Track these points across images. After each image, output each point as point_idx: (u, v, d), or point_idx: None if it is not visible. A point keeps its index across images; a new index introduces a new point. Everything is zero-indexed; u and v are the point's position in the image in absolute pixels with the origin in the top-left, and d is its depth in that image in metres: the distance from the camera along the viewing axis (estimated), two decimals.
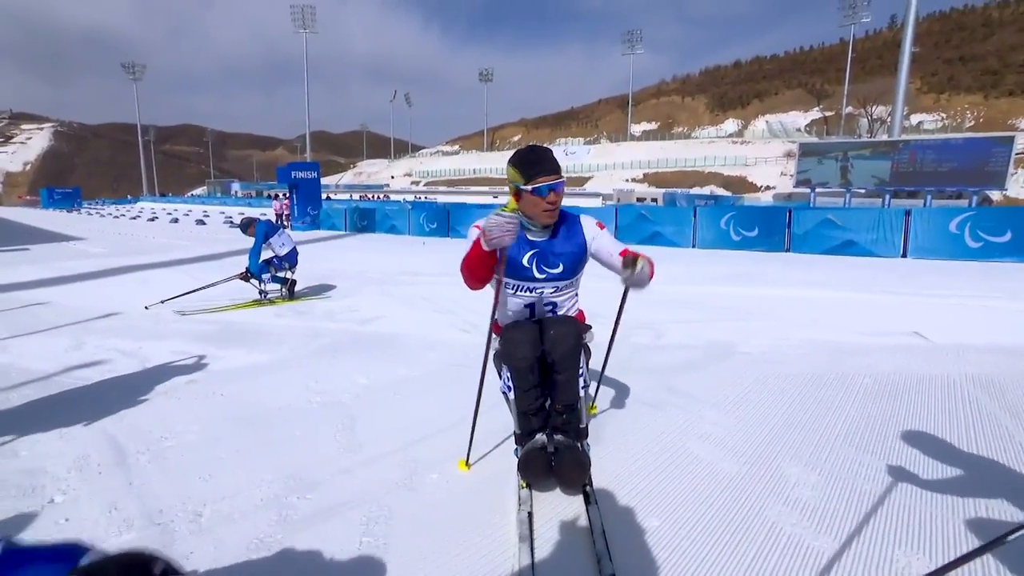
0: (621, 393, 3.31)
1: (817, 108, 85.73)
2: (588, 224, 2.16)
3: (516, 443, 2.22)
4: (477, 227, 1.97)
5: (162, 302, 6.09)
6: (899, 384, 3.40)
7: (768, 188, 61.05)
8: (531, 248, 2.11)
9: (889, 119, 55.92)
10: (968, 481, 2.22)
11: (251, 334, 4.90)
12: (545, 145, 2.41)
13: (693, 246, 13.45)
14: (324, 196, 29.75)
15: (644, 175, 72.22)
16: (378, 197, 50.03)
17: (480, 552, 1.81)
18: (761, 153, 68.45)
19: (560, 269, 2.16)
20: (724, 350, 4.29)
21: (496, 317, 2.21)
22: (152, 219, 28.49)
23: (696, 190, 60.61)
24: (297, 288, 6.71)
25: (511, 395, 2.11)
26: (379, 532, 1.91)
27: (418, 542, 1.86)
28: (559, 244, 2.13)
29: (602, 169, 76.03)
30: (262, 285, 6.32)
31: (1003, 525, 1.90)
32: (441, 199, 43.94)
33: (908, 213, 10.99)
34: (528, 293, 2.14)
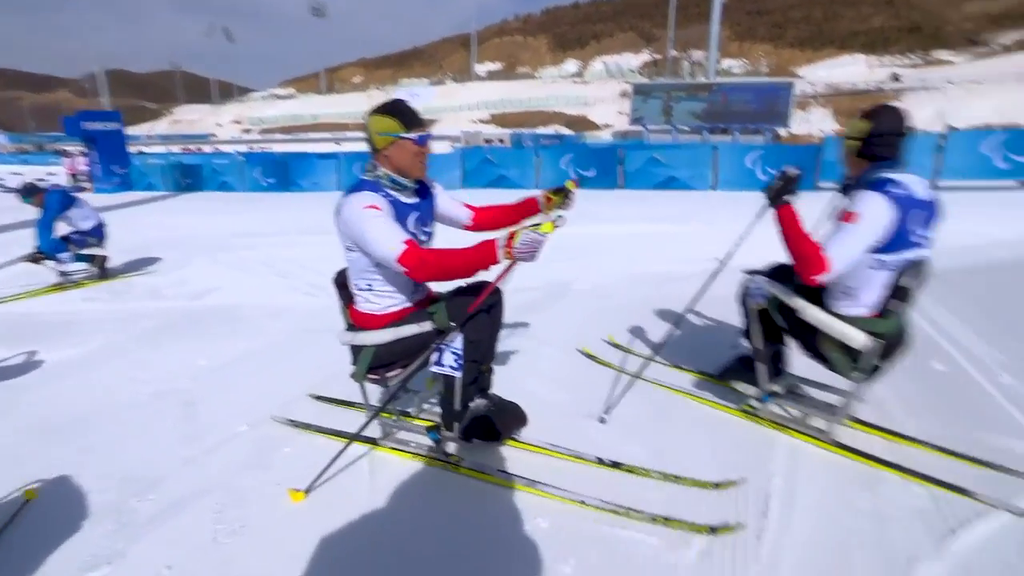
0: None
1: (647, 51, 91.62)
2: (430, 182, 2.18)
3: (452, 421, 2.11)
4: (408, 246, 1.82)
5: None
6: (705, 304, 4.05)
7: (607, 126, 64.92)
8: (411, 211, 2.03)
9: (706, 63, 62.07)
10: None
11: (53, 326, 4.24)
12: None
13: (536, 187, 14.07)
14: (134, 150, 25.49)
15: (491, 116, 72.31)
16: (201, 150, 44.02)
17: (338, 516, 1.91)
18: (599, 93, 72.00)
19: (432, 228, 2.19)
20: (561, 289, 4.71)
21: (394, 303, 2.08)
22: None
23: (541, 130, 62.41)
24: (110, 265, 5.86)
25: (458, 373, 1.96)
26: (233, 517, 1.90)
27: (276, 518, 1.90)
28: (426, 203, 2.13)
29: (448, 111, 74.48)
30: (61, 266, 5.41)
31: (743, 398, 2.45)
32: (278, 149, 39.98)
33: (715, 149, 12.55)
34: None
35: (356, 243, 1.92)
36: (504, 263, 1.76)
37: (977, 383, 2.73)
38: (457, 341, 1.93)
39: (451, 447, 2.21)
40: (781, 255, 2.08)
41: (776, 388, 2.42)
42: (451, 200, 2.30)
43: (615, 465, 2.13)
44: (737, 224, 2.40)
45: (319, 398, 2.79)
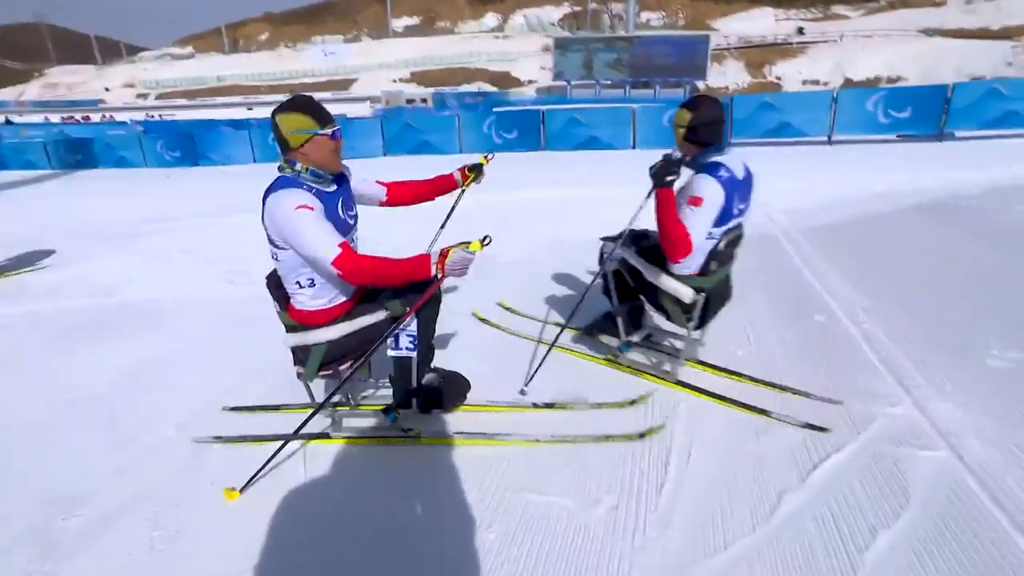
0: None
1: (567, 3, 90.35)
2: (345, 165, 2.23)
3: (404, 398, 2.28)
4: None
5: None
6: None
7: (531, 82, 64.29)
8: (335, 198, 2.10)
9: (626, 16, 62.35)
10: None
11: None
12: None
13: (460, 151, 13.95)
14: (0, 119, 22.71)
15: (411, 74, 69.62)
16: (89, 119, 39.64)
17: (277, 510, 2.00)
18: (522, 48, 70.72)
19: (355, 210, 2.27)
20: (487, 263, 4.80)
21: (339, 297, 2.15)
22: None
23: (464, 88, 60.99)
24: None
25: (415, 353, 2.16)
26: (169, 523, 1.95)
27: (213, 517, 1.96)
28: (343, 188, 2.19)
29: (367, 70, 70.92)
30: None
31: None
32: (181, 117, 36.79)
33: (634, 113, 12.88)
34: (351, 243, 2.15)
35: (288, 243, 1.94)
36: (435, 276, 1.93)
37: (846, 330, 3.14)
38: (412, 325, 2.12)
39: (407, 423, 2.37)
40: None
41: (634, 339, 2.83)
42: (363, 181, 2.39)
43: (549, 406, 2.50)
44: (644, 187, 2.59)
45: (235, 409, 2.70)
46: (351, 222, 2.19)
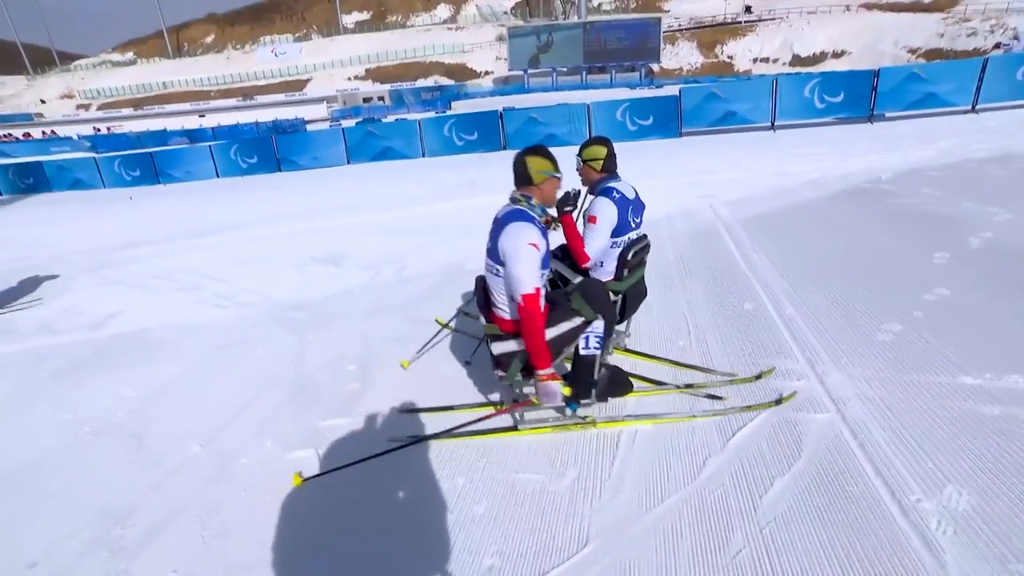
0: (371, 338, 4.01)
1: None
2: None
3: (589, 389, 2.57)
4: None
5: None
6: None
7: (487, 73, 64.30)
8: (546, 232, 2.51)
9: (577, 1, 62.87)
10: None
11: None
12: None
13: (423, 155, 14.27)
14: None
15: (367, 71, 68.75)
16: (30, 135, 37.92)
17: (310, 504, 2.42)
18: (476, 39, 70.45)
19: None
20: (456, 271, 5.23)
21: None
22: None
23: (421, 83, 60.65)
24: None
25: (600, 351, 2.51)
26: (216, 524, 2.35)
27: (254, 517, 2.38)
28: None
29: (320, 69, 69.66)
30: None
31: None
32: (130, 128, 35.67)
33: (588, 109, 13.38)
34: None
35: (507, 263, 2.34)
36: (538, 381, 2.37)
37: (770, 315, 3.70)
38: (599, 327, 2.50)
39: (582, 411, 2.73)
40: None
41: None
42: None
43: (689, 386, 2.86)
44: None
45: (414, 410, 3.06)
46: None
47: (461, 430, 2.70)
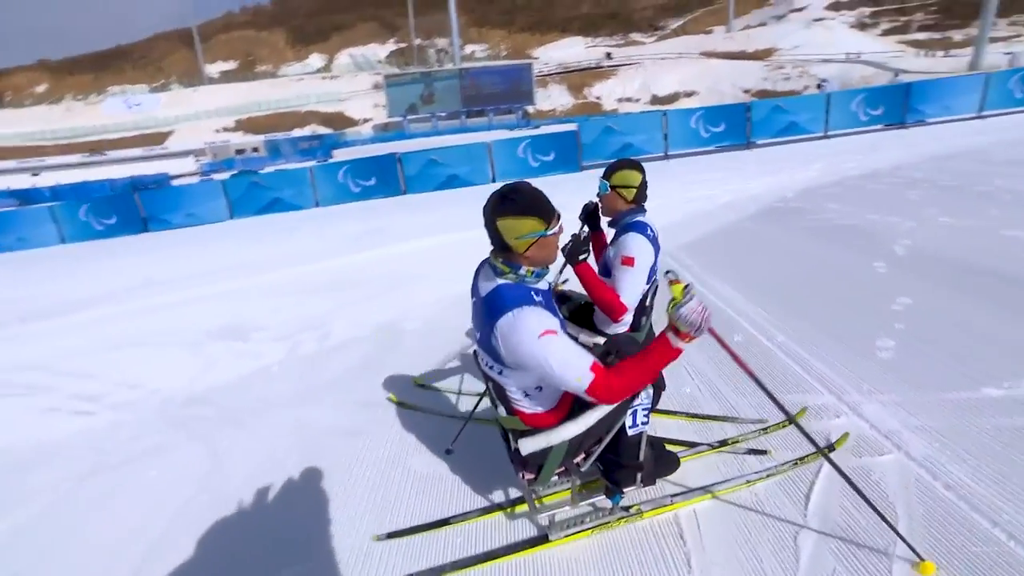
0: (309, 433, 3.18)
1: (392, 40, 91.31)
2: None
3: (634, 473, 2.01)
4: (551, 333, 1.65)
5: None
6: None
7: (366, 120, 63.64)
8: (549, 292, 1.94)
9: (451, 50, 64.81)
10: None
11: None
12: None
13: (316, 205, 13.23)
14: None
15: (236, 122, 65.20)
16: None
17: None
18: (352, 87, 69.96)
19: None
20: (394, 333, 4.43)
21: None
22: None
23: (297, 132, 58.42)
24: None
25: (647, 427, 1.94)
26: None
27: None
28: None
29: (183, 120, 64.84)
30: None
31: None
32: None
33: (489, 147, 13.25)
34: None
35: (529, 370, 1.71)
36: (682, 346, 1.68)
37: (765, 346, 3.43)
38: (646, 395, 1.87)
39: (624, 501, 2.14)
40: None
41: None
42: None
43: (722, 443, 2.27)
44: None
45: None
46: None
47: (471, 557, 2.02)
